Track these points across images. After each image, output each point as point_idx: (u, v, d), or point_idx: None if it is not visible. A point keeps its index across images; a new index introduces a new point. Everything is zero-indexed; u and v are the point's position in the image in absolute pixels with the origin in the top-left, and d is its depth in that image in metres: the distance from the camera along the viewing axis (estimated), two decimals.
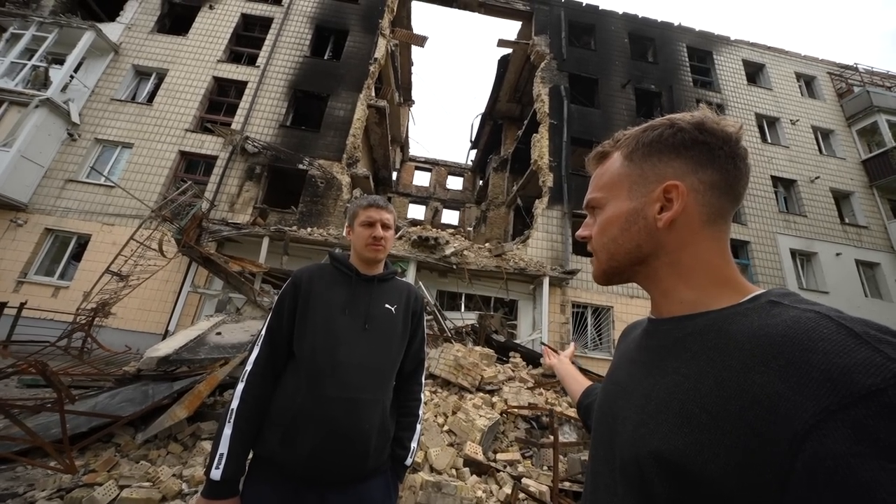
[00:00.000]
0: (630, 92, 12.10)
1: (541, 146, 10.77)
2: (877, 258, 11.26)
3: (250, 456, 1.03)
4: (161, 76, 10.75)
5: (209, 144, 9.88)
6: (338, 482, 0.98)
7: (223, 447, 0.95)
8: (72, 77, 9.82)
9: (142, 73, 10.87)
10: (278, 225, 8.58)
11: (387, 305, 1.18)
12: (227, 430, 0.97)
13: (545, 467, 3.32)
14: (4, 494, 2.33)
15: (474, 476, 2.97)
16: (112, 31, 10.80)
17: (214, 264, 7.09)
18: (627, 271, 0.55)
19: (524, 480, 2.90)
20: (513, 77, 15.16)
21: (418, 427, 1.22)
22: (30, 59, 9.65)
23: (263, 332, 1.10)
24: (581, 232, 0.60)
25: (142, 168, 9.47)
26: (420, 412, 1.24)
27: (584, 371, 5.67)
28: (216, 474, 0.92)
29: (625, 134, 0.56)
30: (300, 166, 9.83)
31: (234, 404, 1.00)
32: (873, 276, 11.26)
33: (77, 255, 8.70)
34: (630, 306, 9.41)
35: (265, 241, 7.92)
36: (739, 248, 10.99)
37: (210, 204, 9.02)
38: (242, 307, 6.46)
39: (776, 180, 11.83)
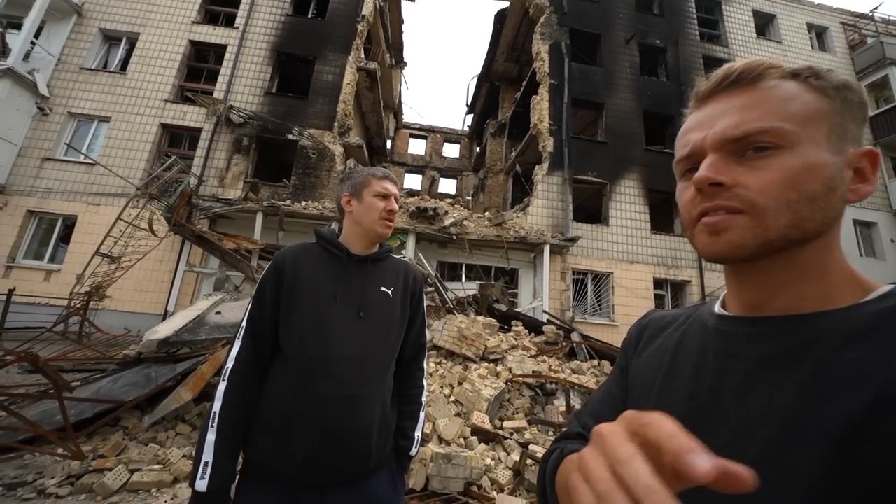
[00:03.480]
0: (634, 48, 11.43)
1: (541, 108, 10.30)
2: (874, 217, 11.22)
3: (240, 460, 0.94)
4: (132, 41, 9.96)
5: (192, 116, 9.35)
6: (339, 482, 0.91)
7: (207, 455, 0.85)
8: (33, 44, 9.07)
9: (111, 38, 10.06)
10: (271, 199, 8.31)
11: (383, 288, 1.05)
12: (211, 436, 0.87)
13: (550, 433, 3.38)
14: (14, 483, 2.31)
15: (482, 444, 3.01)
16: None
17: (208, 242, 6.90)
18: (791, 248, 0.38)
19: (531, 447, 2.94)
20: (510, 34, 14.24)
21: (422, 415, 1.13)
22: None
23: (244, 323, 0.98)
24: (709, 173, 0.38)
25: (122, 143, 9.00)
26: (423, 399, 1.15)
27: (586, 338, 5.72)
28: (202, 485, 0.83)
29: (778, 64, 0.41)
30: (290, 136, 9.38)
31: (217, 406, 0.90)
32: (869, 235, 11.27)
33: (65, 238, 8.46)
34: (630, 272, 9.42)
35: (259, 217, 7.69)
36: None
37: (198, 179, 8.67)
38: (241, 285, 6.36)
39: None
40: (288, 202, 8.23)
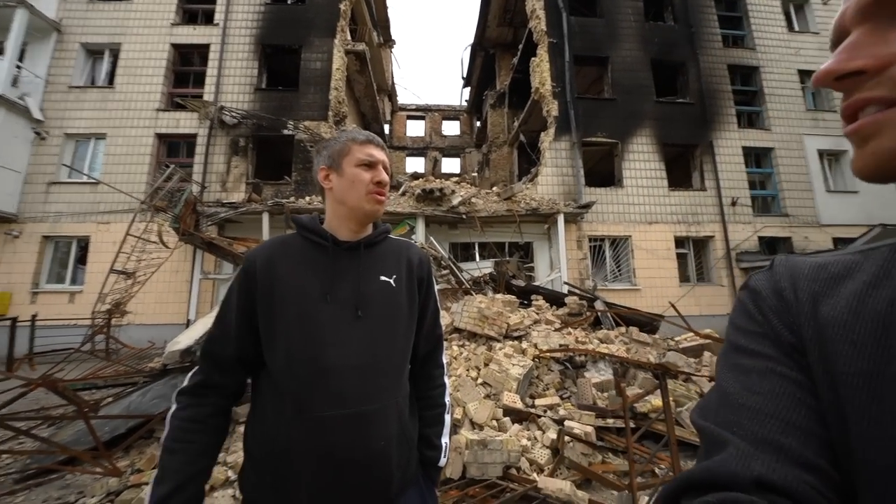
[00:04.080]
0: None
1: (541, 71, 9.74)
2: None
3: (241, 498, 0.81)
4: (115, 52, 9.76)
5: (185, 122, 9.20)
6: None
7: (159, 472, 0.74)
8: (19, 67, 8.97)
9: (93, 52, 9.88)
10: (275, 198, 8.21)
11: (382, 277, 0.87)
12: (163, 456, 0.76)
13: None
14: None
15: (516, 425, 2.92)
16: (46, 5, 9.61)
17: (219, 248, 6.90)
18: None
19: (567, 423, 2.83)
20: None
21: (447, 419, 0.98)
22: None
23: (203, 346, 0.83)
24: (835, 63, 0.28)
25: (121, 159, 8.97)
26: (446, 400, 1.00)
27: (610, 305, 5.53)
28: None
29: None
30: (285, 132, 9.17)
31: (163, 436, 0.77)
32: None
33: (82, 259, 8.60)
34: (649, 233, 9.07)
35: (265, 217, 7.62)
36: (762, 156, 10.24)
37: (201, 186, 8.61)
38: None
39: (804, 74, 10.65)
40: (292, 199, 8.12)
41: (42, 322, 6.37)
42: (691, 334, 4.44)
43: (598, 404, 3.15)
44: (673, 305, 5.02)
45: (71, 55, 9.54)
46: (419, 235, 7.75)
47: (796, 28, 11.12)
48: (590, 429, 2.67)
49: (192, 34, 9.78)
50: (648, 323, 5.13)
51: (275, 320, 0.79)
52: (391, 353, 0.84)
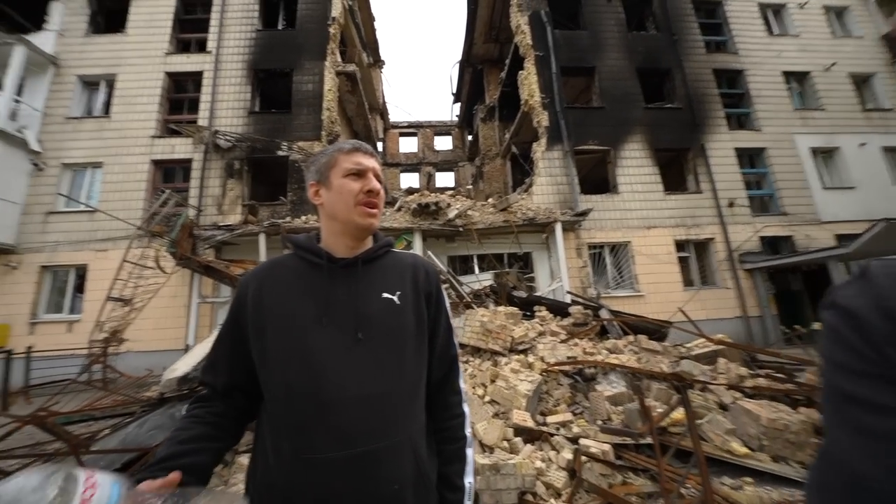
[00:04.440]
0: (617, 4, 10.88)
1: (529, 83, 9.90)
2: None
3: None
4: (110, 83, 9.89)
5: (180, 148, 9.26)
6: None
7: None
8: (17, 101, 9.06)
9: (89, 84, 10.01)
10: (271, 219, 8.19)
11: (385, 295, 0.80)
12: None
13: (599, 422, 3.15)
14: None
15: (528, 445, 2.80)
16: (44, 41, 9.80)
17: (216, 271, 6.82)
18: None
19: (582, 441, 2.72)
20: (486, 13, 13.77)
21: (469, 453, 0.86)
22: None
23: (200, 372, 0.80)
24: None
25: (118, 186, 8.97)
26: (467, 431, 0.89)
27: (615, 313, 5.44)
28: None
29: None
30: (279, 153, 9.23)
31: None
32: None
33: (80, 287, 8.50)
34: (649, 238, 9.06)
35: (261, 239, 7.58)
36: (755, 156, 10.34)
37: (197, 210, 8.60)
38: None
39: (788, 76, 10.87)
40: (288, 219, 8.09)
41: (39, 353, 6.23)
42: (702, 340, 4.35)
43: (612, 419, 3.05)
44: (683, 312, 4.95)
45: (68, 87, 9.67)
46: (417, 250, 7.71)
47: (776, 31, 11.40)
48: (607, 447, 2.56)
49: (186, 62, 9.94)
50: (657, 330, 5.04)
51: (268, 348, 0.73)
52: (399, 380, 0.75)
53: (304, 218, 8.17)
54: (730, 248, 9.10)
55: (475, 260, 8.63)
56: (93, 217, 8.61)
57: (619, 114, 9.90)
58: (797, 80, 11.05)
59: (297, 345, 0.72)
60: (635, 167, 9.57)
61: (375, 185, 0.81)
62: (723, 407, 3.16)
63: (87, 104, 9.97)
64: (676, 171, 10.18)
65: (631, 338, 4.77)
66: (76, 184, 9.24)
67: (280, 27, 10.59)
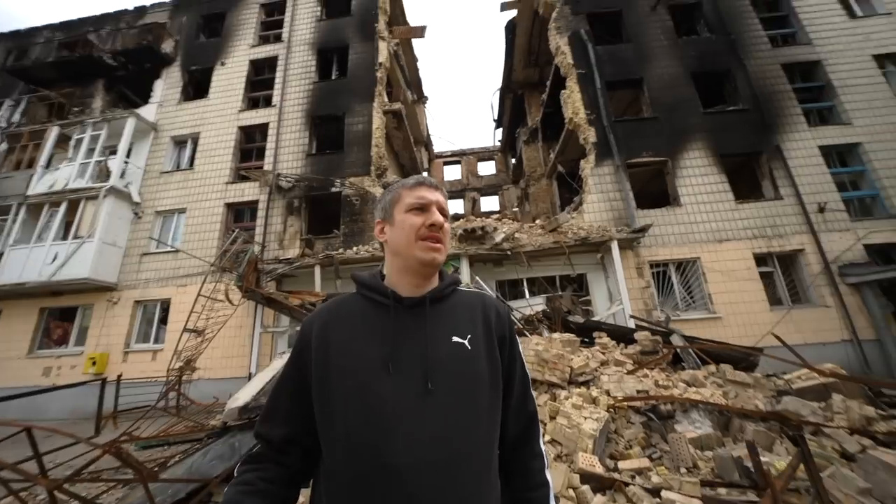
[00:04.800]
0: (663, 12, 10.49)
1: (573, 101, 9.72)
2: None
3: None
4: (195, 140, 11.49)
5: (249, 191, 10.33)
6: None
7: None
8: (126, 163, 10.84)
9: (179, 142, 11.72)
10: (326, 251, 8.65)
11: (455, 339, 0.71)
12: None
13: (683, 469, 2.67)
14: None
15: (598, 495, 2.42)
16: (148, 112, 11.78)
17: (277, 302, 7.26)
18: None
19: (665, 494, 2.29)
20: (523, 41, 14.07)
21: None
22: (92, 157, 10.79)
23: (256, 425, 0.73)
24: None
25: (197, 228, 10.16)
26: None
27: (690, 339, 4.80)
28: None
29: None
30: (333, 189, 9.88)
31: None
32: None
33: (164, 319, 9.54)
34: (720, 252, 8.07)
35: (317, 270, 7.99)
36: (846, 153, 8.97)
37: (261, 246, 9.38)
38: None
39: (881, 59, 9.49)
40: (341, 251, 8.49)
41: (127, 380, 6.97)
42: (805, 371, 3.62)
43: (699, 467, 2.56)
44: (776, 336, 4.19)
45: (163, 147, 11.40)
46: (464, 276, 7.59)
47: (859, 14, 10.13)
48: (697, 501, 2.12)
49: (255, 116, 11.27)
50: (743, 358, 4.31)
51: (331, 396, 0.65)
52: (475, 441, 0.64)
53: (354, 249, 8.52)
54: (825, 259, 7.78)
55: (525, 283, 8.28)
56: (176, 256, 9.77)
57: (675, 122, 9.26)
58: (893, 61, 9.58)
59: (362, 394, 0.64)
60: (699, 176, 8.76)
61: (438, 218, 0.75)
62: (846, 457, 2.52)
63: (177, 159, 11.63)
64: (748, 177, 9.14)
65: (712, 368, 4.12)
66: (165, 228, 10.63)
67: (333, 77, 11.68)
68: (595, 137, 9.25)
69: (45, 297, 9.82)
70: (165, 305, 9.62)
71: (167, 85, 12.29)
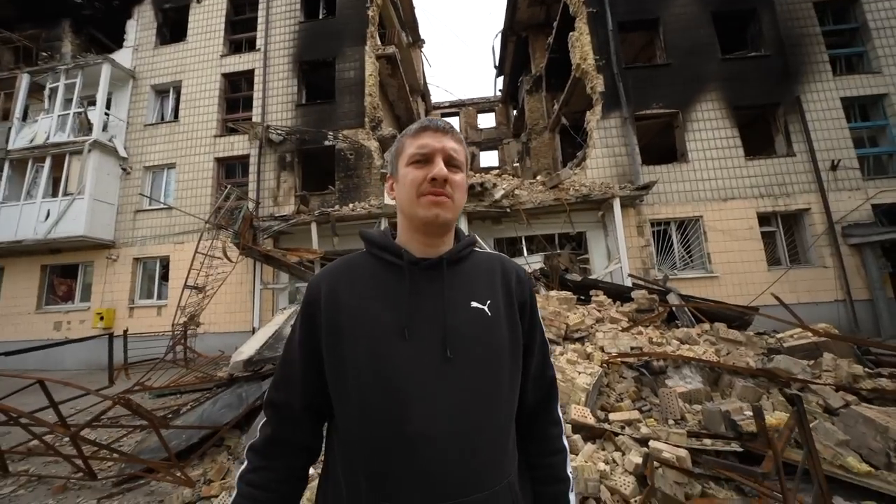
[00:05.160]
0: None
1: (581, 45, 8.98)
2: None
3: None
4: (177, 89, 10.77)
5: (238, 144, 9.88)
6: None
7: None
8: (107, 114, 10.24)
9: (160, 91, 10.99)
10: (321, 208, 8.47)
11: (474, 304, 0.67)
12: None
13: (671, 422, 2.80)
14: None
15: (589, 444, 2.55)
16: (123, 57, 10.90)
17: (274, 259, 7.25)
18: None
19: (653, 444, 2.41)
20: None
21: (573, 499, 0.72)
22: (70, 108, 10.15)
23: (267, 394, 0.69)
24: None
25: (189, 184, 9.86)
26: (569, 471, 0.73)
27: (686, 298, 4.85)
28: None
29: None
30: (326, 143, 9.46)
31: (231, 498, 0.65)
32: None
33: (165, 276, 9.61)
34: (724, 211, 7.94)
35: (313, 227, 7.88)
36: (870, 106, 8.49)
37: (255, 202, 9.18)
38: None
39: None
40: (336, 207, 8.31)
41: (134, 335, 7.17)
42: (797, 330, 3.69)
43: (686, 419, 2.68)
44: (776, 296, 4.23)
45: (144, 97, 10.71)
46: None
47: None
48: (683, 452, 2.23)
49: (239, 62, 10.46)
50: (738, 317, 4.38)
51: (344, 363, 0.61)
52: (496, 411, 0.62)
53: (350, 205, 8.34)
54: (830, 218, 7.67)
55: (523, 242, 8.23)
56: (171, 213, 9.59)
57: (690, 69, 8.63)
58: None
59: (378, 361, 0.61)
60: (710, 130, 8.35)
61: (441, 171, 0.65)
62: (829, 412, 2.63)
63: (160, 110, 10.99)
64: (761, 132, 8.73)
65: (706, 326, 4.20)
66: (156, 184, 10.33)
67: (321, 16, 10.67)
68: (603, 86, 8.68)
69: (45, 255, 9.80)
70: (165, 262, 9.64)
71: (140, 26, 11.25)
